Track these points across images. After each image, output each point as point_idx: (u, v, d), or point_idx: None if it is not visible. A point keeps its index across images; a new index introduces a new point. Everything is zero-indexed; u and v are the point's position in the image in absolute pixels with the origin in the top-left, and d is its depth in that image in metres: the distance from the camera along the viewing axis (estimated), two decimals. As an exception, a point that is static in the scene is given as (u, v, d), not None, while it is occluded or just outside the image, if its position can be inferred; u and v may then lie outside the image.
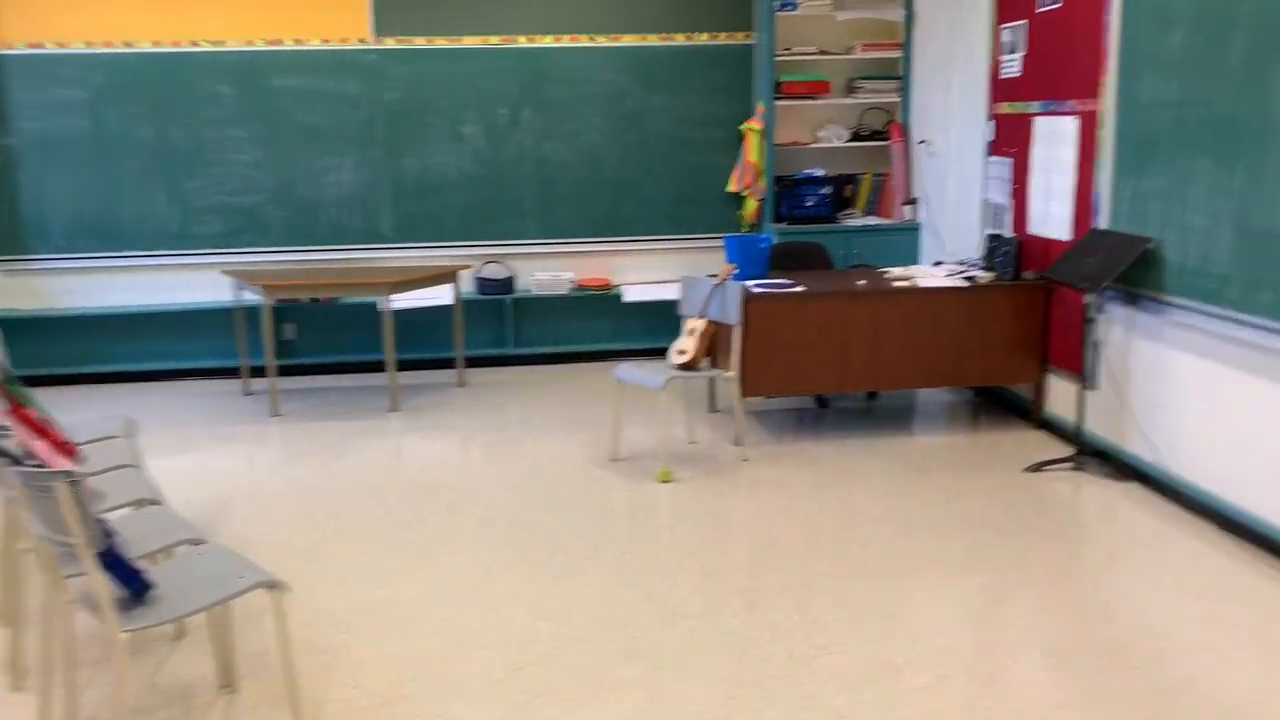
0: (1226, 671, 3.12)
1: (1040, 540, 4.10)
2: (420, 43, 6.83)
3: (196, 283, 6.92)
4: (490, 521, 4.39)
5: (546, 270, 7.17)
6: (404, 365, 6.99)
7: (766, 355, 5.23)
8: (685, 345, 5.05)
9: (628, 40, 7.01)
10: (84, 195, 6.71)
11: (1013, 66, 5.62)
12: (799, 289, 5.27)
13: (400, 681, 3.14)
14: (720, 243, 7.15)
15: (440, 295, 6.79)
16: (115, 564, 2.65)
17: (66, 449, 3.39)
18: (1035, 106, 5.40)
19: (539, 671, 3.18)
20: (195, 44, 6.66)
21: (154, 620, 2.64)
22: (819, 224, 6.84)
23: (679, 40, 7.05)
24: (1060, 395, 5.32)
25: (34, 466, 2.77)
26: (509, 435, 5.61)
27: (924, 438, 5.42)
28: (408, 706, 3.01)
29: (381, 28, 6.78)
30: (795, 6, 6.82)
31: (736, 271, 5.45)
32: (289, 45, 6.73)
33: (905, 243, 6.87)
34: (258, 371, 6.73)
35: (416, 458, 5.26)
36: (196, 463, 5.24)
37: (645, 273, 7.34)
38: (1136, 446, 4.70)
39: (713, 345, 5.54)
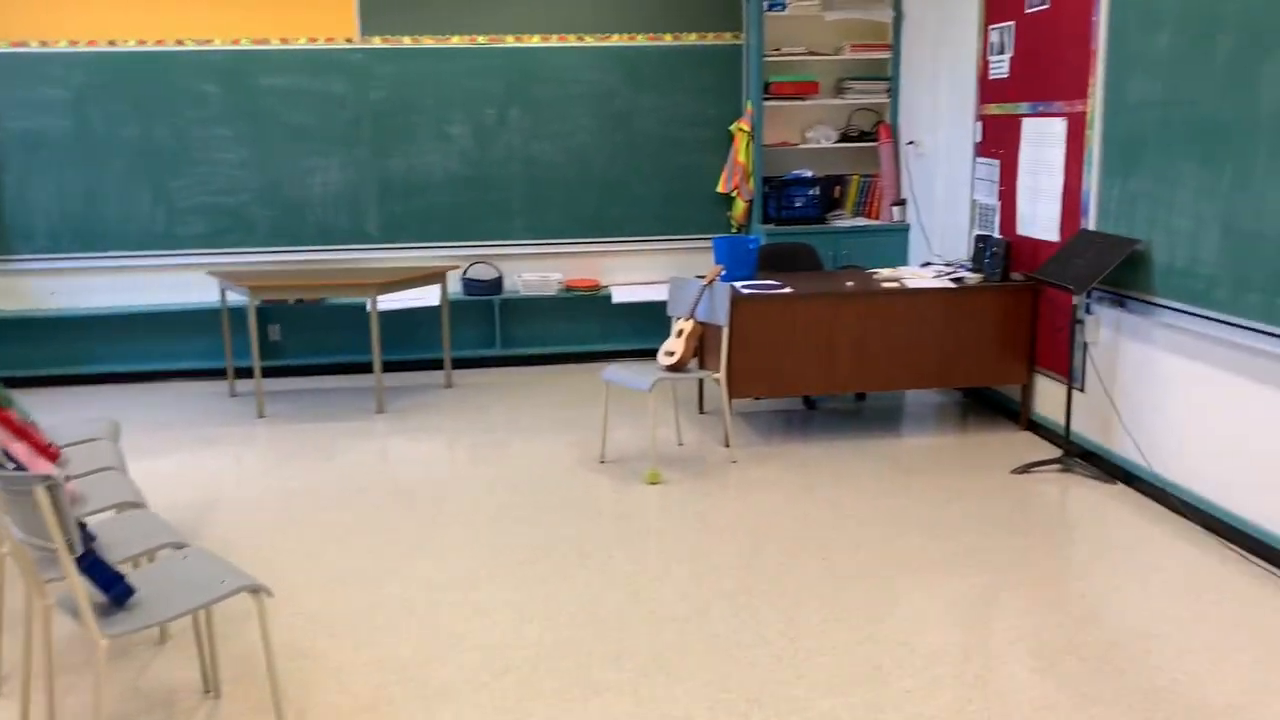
0: (1214, 672, 3.12)
1: (1028, 542, 4.09)
2: (407, 42, 6.80)
3: (181, 283, 6.88)
4: (477, 524, 4.37)
5: (534, 271, 7.15)
6: (390, 366, 6.97)
7: (755, 356, 5.21)
8: (673, 346, 5.04)
9: (616, 40, 6.99)
10: (68, 195, 6.66)
11: (1001, 68, 5.62)
12: (787, 290, 5.26)
13: (385, 685, 3.12)
14: (709, 243, 7.15)
15: (427, 296, 6.77)
16: (96, 568, 2.62)
17: (49, 452, 3.36)
18: (1023, 107, 5.40)
19: (525, 675, 3.16)
20: (180, 43, 6.62)
21: (136, 625, 2.61)
22: (807, 225, 6.84)
23: (667, 40, 7.04)
24: (1048, 396, 5.32)
25: (13, 470, 2.74)
26: (496, 437, 5.58)
27: (912, 439, 5.42)
28: (393, 710, 2.98)
29: (368, 27, 6.75)
30: (784, 7, 6.81)
31: (725, 272, 5.44)
32: (275, 44, 6.69)
33: (894, 244, 6.87)
34: (243, 373, 6.69)
35: (403, 459, 5.23)
36: (180, 465, 5.20)
37: (634, 273, 7.32)
38: (1124, 448, 4.70)
39: (701, 346, 5.53)
